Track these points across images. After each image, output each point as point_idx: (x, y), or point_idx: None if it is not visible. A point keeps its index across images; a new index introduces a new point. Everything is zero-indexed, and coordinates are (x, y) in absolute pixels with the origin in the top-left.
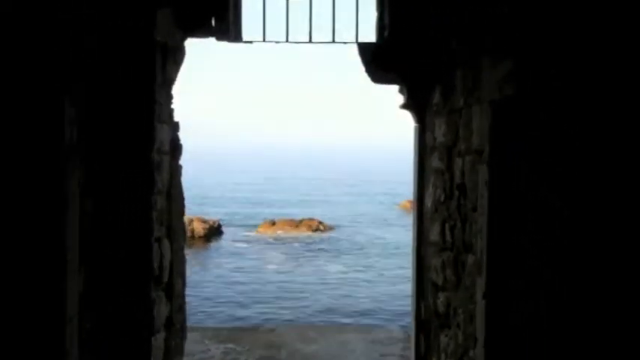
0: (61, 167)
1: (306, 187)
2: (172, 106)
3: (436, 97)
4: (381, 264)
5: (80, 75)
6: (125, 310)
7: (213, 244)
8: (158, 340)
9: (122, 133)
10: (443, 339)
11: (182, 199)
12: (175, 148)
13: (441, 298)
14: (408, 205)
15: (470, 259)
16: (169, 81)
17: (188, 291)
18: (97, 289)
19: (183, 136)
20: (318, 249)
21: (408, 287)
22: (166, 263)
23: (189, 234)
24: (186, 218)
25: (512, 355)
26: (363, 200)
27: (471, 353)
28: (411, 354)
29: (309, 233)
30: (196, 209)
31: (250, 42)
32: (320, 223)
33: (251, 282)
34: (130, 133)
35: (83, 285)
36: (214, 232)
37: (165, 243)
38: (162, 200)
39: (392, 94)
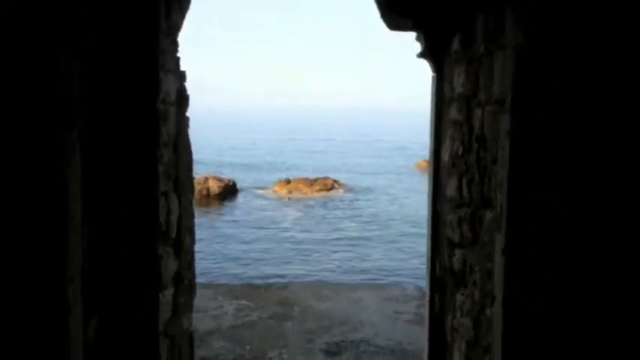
0: (61, 120)
1: (322, 147)
2: (178, 54)
3: (455, 45)
4: (396, 223)
5: (88, 27)
6: (131, 266)
7: (229, 203)
8: (166, 296)
9: (126, 83)
10: (458, 297)
11: (190, 152)
12: (182, 99)
13: (457, 255)
14: (424, 164)
15: (488, 215)
16: (174, 28)
17: (201, 248)
18: (102, 245)
19: (200, 95)
20: (333, 207)
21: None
22: (174, 218)
23: (204, 193)
24: (201, 177)
25: (531, 314)
26: (379, 159)
27: (488, 312)
28: (426, 312)
29: (325, 192)
30: (212, 168)
31: None
32: (335, 181)
33: (265, 240)
34: (134, 83)
35: (87, 241)
36: (230, 190)
37: (173, 197)
38: (168, 153)
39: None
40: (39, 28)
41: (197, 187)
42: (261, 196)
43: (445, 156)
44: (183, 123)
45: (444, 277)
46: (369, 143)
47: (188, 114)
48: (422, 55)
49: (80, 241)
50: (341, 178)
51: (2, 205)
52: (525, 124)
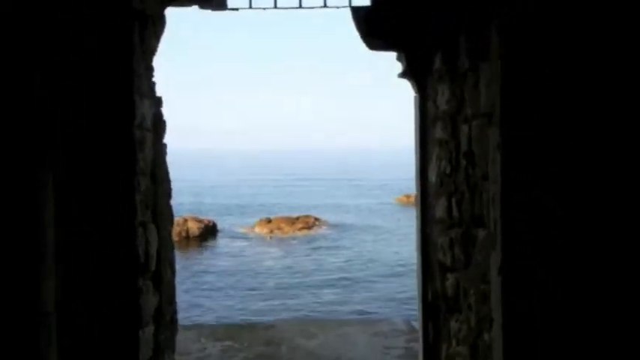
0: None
1: (301, 188)
2: (153, 79)
3: (437, 63)
4: (379, 257)
5: (59, 49)
6: (108, 302)
7: (209, 244)
8: (146, 333)
9: (99, 107)
10: (453, 324)
11: (168, 180)
12: (159, 125)
13: (450, 279)
14: (405, 199)
15: (481, 233)
16: (149, 52)
17: (184, 291)
18: (78, 278)
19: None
20: (316, 245)
21: (408, 280)
22: (153, 250)
23: (183, 234)
24: (180, 218)
25: (533, 335)
26: (359, 196)
27: (486, 337)
28: (419, 342)
29: (306, 230)
30: (192, 209)
31: (236, 9)
32: (316, 219)
33: (247, 279)
34: (108, 106)
35: (62, 276)
36: (210, 231)
37: (152, 228)
38: (146, 181)
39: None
40: (11, 53)
41: (176, 229)
42: (242, 236)
43: (432, 176)
44: (160, 150)
45: (436, 304)
46: (348, 182)
47: (165, 141)
48: (403, 74)
49: (54, 273)
50: (322, 216)
51: None
52: (516, 133)
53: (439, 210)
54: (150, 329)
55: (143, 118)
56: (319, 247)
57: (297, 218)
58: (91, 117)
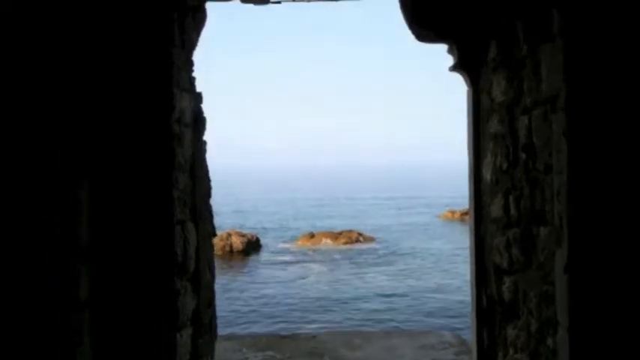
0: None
1: (342, 206)
2: (193, 74)
3: (492, 52)
4: (424, 272)
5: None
6: (145, 302)
7: (252, 258)
8: (184, 336)
9: (137, 100)
10: (510, 331)
11: (208, 179)
12: (198, 121)
13: (507, 282)
14: (450, 215)
15: (542, 231)
16: (189, 45)
17: (227, 304)
18: (114, 277)
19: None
20: (359, 260)
21: (454, 295)
22: (191, 250)
23: (227, 249)
24: (223, 233)
25: (602, 339)
26: (403, 212)
27: (549, 342)
28: (473, 351)
29: (350, 245)
30: (234, 224)
31: (279, 2)
32: (360, 234)
33: (291, 293)
34: (146, 98)
35: (96, 273)
36: (253, 245)
37: (190, 227)
38: (184, 178)
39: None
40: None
41: (220, 243)
42: (285, 251)
43: (487, 174)
44: (200, 147)
45: (491, 310)
46: (392, 199)
47: (205, 138)
48: (455, 67)
49: (88, 269)
50: (365, 230)
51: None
52: (584, 119)
53: (495, 209)
54: (187, 332)
55: (182, 113)
56: (362, 262)
57: (340, 233)
58: (128, 110)
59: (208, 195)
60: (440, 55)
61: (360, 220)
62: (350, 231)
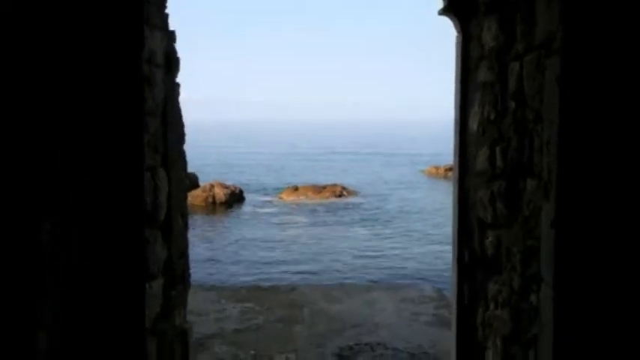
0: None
1: (328, 161)
2: (166, 11)
3: None
4: (407, 226)
5: None
6: (112, 251)
7: (235, 210)
8: (154, 287)
9: (101, 37)
10: (491, 287)
11: (181, 124)
12: (171, 62)
13: (490, 237)
14: (433, 170)
15: (530, 184)
16: None
17: (206, 254)
18: (77, 225)
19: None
20: (343, 213)
21: (436, 248)
22: (162, 198)
23: (210, 200)
24: (206, 184)
25: (587, 297)
26: (387, 167)
27: (532, 298)
28: (453, 306)
29: (333, 198)
30: (218, 176)
31: None
32: (343, 188)
33: (273, 245)
34: (112, 35)
35: (60, 222)
36: (236, 197)
37: (161, 173)
38: (155, 123)
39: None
40: None
41: (202, 195)
42: (269, 203)
43: (473, 124)
44: (172, 90)
45: (473, 265)
46: (373, 155)
47: (179, 80)
48: (445, 10)
49: (52, 221)
50: (348, 184)
51: None
52: (580, 65)
53: (480, 161)
54: (158, 283)
55: (153, 53)
56: (346, 216)
57: (325, 187)
58: (93, 47)
59: (182, 141)
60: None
61: (345, 175)
62: (334, 185)
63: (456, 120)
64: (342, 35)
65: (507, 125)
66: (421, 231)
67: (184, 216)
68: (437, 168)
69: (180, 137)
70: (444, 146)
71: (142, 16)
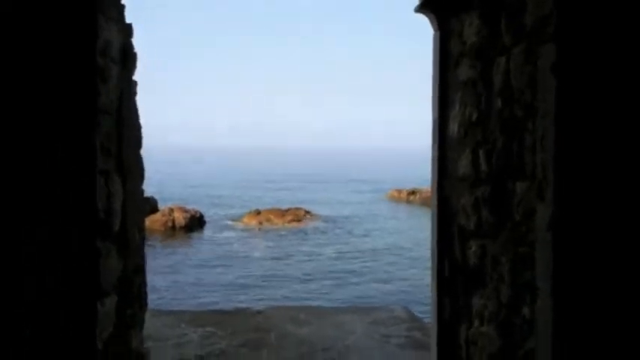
0: None
1: (290, 186)
2: (123, 2)
3: None
4: (371, 248)
5: None
6: (59, 264)
7: (196, 235)
8: (106, 305)
9: (52, 25)
10: (475, 301)
11: (138, 126)
12: (127, 58)
13: (473, 247)
14: (396, 194)
15: (520, 186)
16: None
17: (165, 279)
18: (24, 236)
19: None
20: (306, 237)
21: (402, 271)
22: (117, 206)
23: (169, 224)
24: (166, 208)
25: (591, 306)
26: (349, 193)
27: (525, 311)
28: (433, 322)
29: (296, 223)
30: (178, 201)
31: None
32: (307, 212)
33: (235, 270)
34: (63, 25)
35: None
36: (196, 222)
37: (115, 179)
38: (109, 123)
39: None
40: None
41: (162, 219)
42: (230, 228)
43: (454, 127)
44: (129, 88)
45: (454, 278)
46: (335, 178)
47: (136, 78)
48: (422, 6)
49: None
50: (312, 209)
51: None
52: (576, 51)
53: (462, 165)
54: (111, 301)
55: (108, 45)
56: (309, 240)
57: (287, 210)
58: (42, 37)
59: (138, 145)
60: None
61: (308, 200)
62: (297, 208)
63: (434, 122)
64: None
65: (492, 125)
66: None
67: (141, 229)
68: (399, 192)
69: (137, 141)
70: (402, 173)
71: (95, 4)
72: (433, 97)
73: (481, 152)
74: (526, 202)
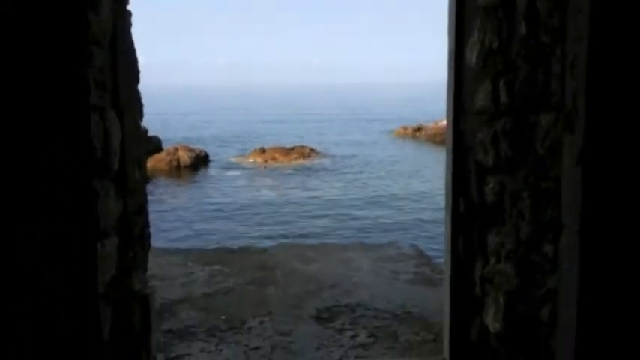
0: None
1: (296, 123)
2: None
3: None
4: (378, 185)
5: None
6: (55, 205)
7: (201, 173)
8: (107, 247)
9: None
10: (491, 239)
11: (134, 59)
12: None
13: (491, 183)
14: (402, 131)
15: (545, 118)
16: None
17: (170, 216)
18: (16, 178)
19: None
20: (312, 175)
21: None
22: (115, 144)
23: (174, 164)
24: (170, 147)
25: (620, 245)
26: (356, 129)
27: (547, 249)
28: (447, 260)
29: (302, 160)
30: (182, 141)
31: None
32: (312, 150)
33: (241, 207)
34: None
35: None
36: (201, 161)
37: (112, 116)
38: (102, 55)
39: None
40: None
41: (167, 158)
42: (235, 166)
43: (472, 56)
44: (123, 18)
45: (470, 215)
46: (343, 116)
47: (130, 8)
48: None
49: None
50: (318, 147)
51: None
52: None
53: (480, 97)
54: (112, 242)
55: None
56: (314, 177)
57: (292, 149)
58: None
59: (135, 79)
60: None
61: (314, 137)
62: (302, 147)
63: (450, 53)
64: None
65: (515, 53)
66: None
67: (141, 167)
68: (405, 129)
69: (134, 75)
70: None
71: None
72: (449, 25)
73: (501, 83)
74: (552, 135)
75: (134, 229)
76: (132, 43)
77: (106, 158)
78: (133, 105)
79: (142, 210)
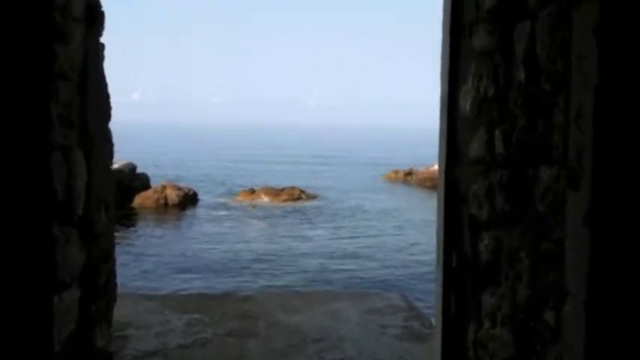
0: None
1: (287, 165)
2: None
3: None
4: (367, 230)
5: None
6: (7, 253)
7: (189, 212)
8: (65, 300)
9: None
10: (486, 300)
11: (106, 95)
12: (94, 17)
13: (486, 239)
14: (393, 175)
15: (545, 172)
16: None
17: (153, 258)
18: None
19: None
20: (301, 217)
21: (398, 254)
22: (79, 187)
23: (162, 202)
24: (158, 185)
25: (632, 314)
26: (346, 172)
27: (548, 316)
28: (437, 320)
29: (291, 202)
30: (171, 179)
31: None
32: (302, 191)
33: (227, 250)
34: None
35: None
36: (189, 200)
37: (77, 156)
38: (70, 89)
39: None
40: None
41: (154, 196)
42: (224, 206)
43: (466, 103)
44: (95, 51)
45: (462, 272)
46: (333, 159)
47: (103, 40)
48: None
49: None
50: (307, 188)
51: None
52: (626, 9)
53: (475, 147)
54: (72, 294)
55: (69, 1)
56: (304, 220)
57: (282, 190)
58: None
59: (106, 117)
60: None
61: (303, 179)
62: (292, 188)
63: (442, 98)
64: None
65: (512, 102)
66: (382, 235)
67: (109, 211)
68: (396, 172)
69: (105, 112)
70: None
71: None
72: (442, 70)
73: (497, 132)
74: (553, 191)
75: (99, 279)
76: (104, 79)
77: (69, 201)
78: (102, 144)
79: (109, 257)
